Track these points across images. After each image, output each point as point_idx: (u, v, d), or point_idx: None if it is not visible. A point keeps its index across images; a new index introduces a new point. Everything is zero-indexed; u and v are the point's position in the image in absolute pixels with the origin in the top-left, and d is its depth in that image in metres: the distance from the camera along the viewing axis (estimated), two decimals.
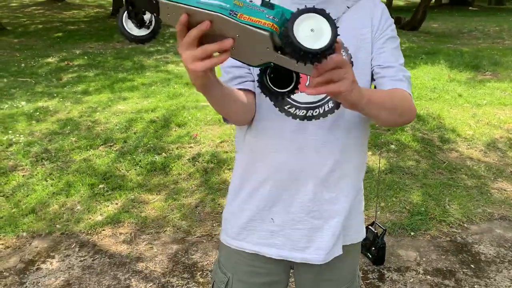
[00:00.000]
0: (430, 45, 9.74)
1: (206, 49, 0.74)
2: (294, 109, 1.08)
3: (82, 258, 2.67)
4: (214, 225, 3.00)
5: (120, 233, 2.91)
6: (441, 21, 14.65)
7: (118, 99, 5.66)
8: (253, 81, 1.11)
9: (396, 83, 1.06)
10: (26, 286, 2.43)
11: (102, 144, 4.28)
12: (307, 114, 1.09)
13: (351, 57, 1.08)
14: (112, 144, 4.30)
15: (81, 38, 10.40)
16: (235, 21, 0.70)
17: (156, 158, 3.90)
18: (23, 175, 3.68)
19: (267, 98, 0.99)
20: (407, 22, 12.27)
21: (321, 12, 0.71)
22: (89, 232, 2.91)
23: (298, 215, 1.14)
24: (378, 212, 3.14)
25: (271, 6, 0.72)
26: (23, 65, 7.75)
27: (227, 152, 4.00)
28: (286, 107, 1.09)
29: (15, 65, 7.73)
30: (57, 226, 2.97)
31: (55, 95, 5.90)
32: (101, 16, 14.37)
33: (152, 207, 3.21)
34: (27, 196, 3.35)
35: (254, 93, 1.11)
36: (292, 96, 1.05)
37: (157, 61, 8.06)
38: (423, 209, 3.18)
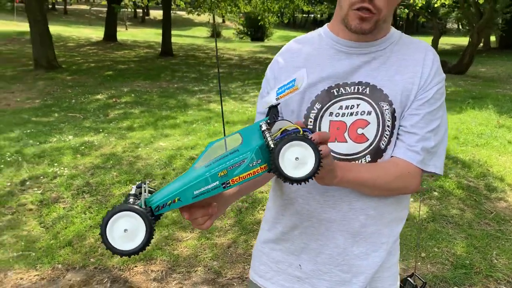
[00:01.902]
0: (477, 89, 9.48)
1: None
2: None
3: None
4: (246, 267, 2.93)
5: (152, 270, 2.90)
6: (489, 65, 14.30)
7: (160, 136, 5.81)
8: None
9: (408, 154, 1.05)
10: None
11: (139, 180, 4.36)
12: None
13: (392, 106, 1.05)
14: (151, 179, 4.37)
15: (130, 77, 10.88)
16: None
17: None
18: (63, 207, 3.78)
19: None
20: (453, 66, 12.06)
21: (304, 140, 0.77)
22: (122, 267, 2.92)
23: (326, 266, 1.12)
24: (419, 263, 2.97)
25: (238, 151, 0.79)
26: (73, 101, 8.15)
27: (262, 192, 3.97)
28: None
29: (66, 101, 8.14)
30: (91, 260, 3.00)
31: (101, 130, 6.12)
32: (150, 56, 15.05)
33: (185, 245, 3.19)
34: (66, 228, 3.42)
35: None
36: (330, 146, 1.04)
37: (199, 100, 8.28)
38: (467, 261, 2.98)
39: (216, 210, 0.93)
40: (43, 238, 3.28)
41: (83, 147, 5.33)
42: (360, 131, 1.04)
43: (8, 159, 4.83)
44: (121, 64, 13.01)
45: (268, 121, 0.83)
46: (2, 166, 4.60)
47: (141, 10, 34.82)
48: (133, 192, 0.82)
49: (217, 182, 0.78)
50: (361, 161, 1.05)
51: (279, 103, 0.86)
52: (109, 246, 0.74)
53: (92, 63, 12.50)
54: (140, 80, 10.51)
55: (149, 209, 0.79)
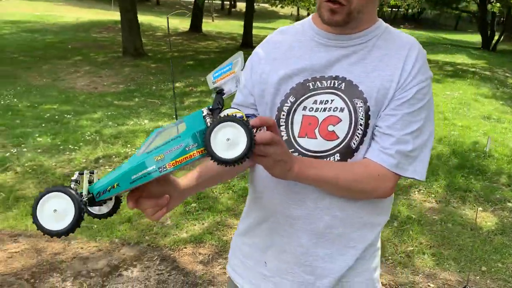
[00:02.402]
0: None
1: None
2: (297, 154, 1.02)
3: (159, 272, 2.79)
4: None
5: (200, 253, 2.99)
6: None
7: None
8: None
9: (381, 157, 0.97)
10: None
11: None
12: None
13: (367, 103, 0.98)
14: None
15: (208, 67, 11.21)
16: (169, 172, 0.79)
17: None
18: None
19: None
20: None
21: (236, 121, 0.75)
22: (172, 247, 3.04)
23: (290, 266, 1.08)
24: (477, 277, 2.76)
25: (179, 137, 0.79)
26: (154, 87, 8.59)
27: None
28: (291, 151, 1.04)
29: (147, 87, 8.60)
30: (146, 237, 3.16)
31: (174, 117, 6.39)
32: (231, 47, 15.37)
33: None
34: None
35: None
36: (299, 141, 1.02)
37: None
38: None
39: (166, 202, 0.90)
40: None
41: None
42: (330, 128, 0.99)
43: (88, 138, 5.22)
44: (202, 54, 13.44)
45: (211, 107, 0.81)
46: (81, 144, 4.98)
47: (228, 2, 35.66)
48: (74, 178, 0.83)
49: (154, 167, 0.78)
50: (329, 159, 1.00)
51: (217, 88, 0.84)
52: (38, 225, 0.75)
53: (176, 52, 13.05)
54: None
55: (91, 195, 0.81)
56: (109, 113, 6.56)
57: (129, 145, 5.02)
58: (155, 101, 7.57)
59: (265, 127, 0.84)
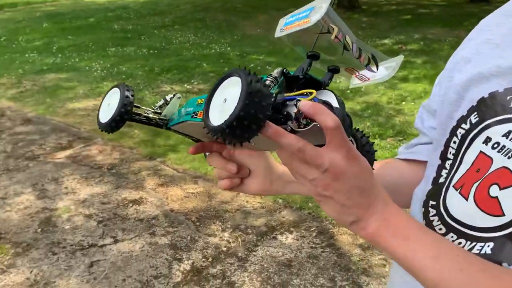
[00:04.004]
0: None
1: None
2: (434, 214, 0.65)
3: (313, 245, 2.63)
4: None
5: (361, 238, 2.71)
6: None
7: None
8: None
9: None
10: (257, 250, 2.60)
11: (391, 136, 4.08)
12: (454, 240, 0.62)
13: None
14: (402, 138, 4.03)
15: (427, 22, 10.07)
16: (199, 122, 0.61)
17: None
18: None
19: None
20: None
21: (240, 73, 0.51)
22: (333, 222, 2.84)
23: None
24: None
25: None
26: None
27: None
28: (432, 208, 0.66)
29: None
30: (309, 204, 3.03)
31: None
32: (459, 1, 13.47)
33: None
34: None
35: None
36: (448, 194, 0.63)
37: None
38: None
39: (237, 172, 0.71)
40: None
41: (349, 91, 5.33)
42: (494, 190, 0.56)
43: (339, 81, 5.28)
44: (422, 8, 12.16)
45: (285, 72, 0.57)
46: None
47: None
48: (168, 97, 0.75)
49: (191, 108, 0.65)
50: (466, 245, 0.58)
51: (284, 36, 0.57)
52: (97, 116, 0.71)
53: (393, 5, 12.14)
54: (436, 27, 9.60)
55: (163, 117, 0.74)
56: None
57: None
58: None
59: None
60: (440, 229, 0.63)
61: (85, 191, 3.32)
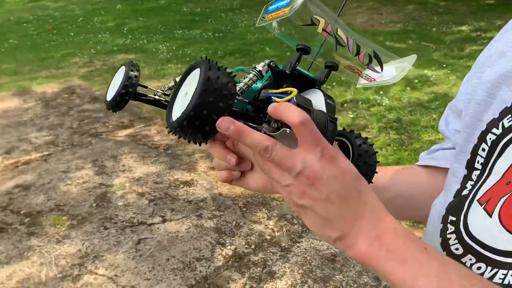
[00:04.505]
0: None
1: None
2: (452, 231, 0.55)
3: None
4: None
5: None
6: None
7: None
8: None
9: None
10: (301, 241, 2.54)
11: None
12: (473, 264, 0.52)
13: None
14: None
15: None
16: None
17: None
18: (365, 137, 3.75)
19: None
20: None
21: (201, 66, 0.46)
22: None
23: None
24: None
25: None
26: (434, 29, 7.68)
27: None
28: (447, 233, 0.57)
29: (426, 28, 7.76)
30: None
31: (445, 65, 5.60)
32: None
33: None
34: None
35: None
36: (471, 210, 0.54)
37: None
38: None
39: (236, 164, 0.60)
40: None
41: (417, 81, 5.04)
42: None
43: (343, 79, 5.10)
44: None
45: (272, 65, 0.52)
46: (334, 83, 4.91)
47: None
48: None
49: None
50: (487, 274, 0.50)
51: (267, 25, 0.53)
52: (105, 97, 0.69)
53: None
54: None
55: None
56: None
57: (381, 92, 4.67)
58: (430, 45, 6.78)
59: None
60: (457, 249, 0.54)
61: (141, 170, 3.42)
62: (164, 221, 2.80)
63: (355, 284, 2.24)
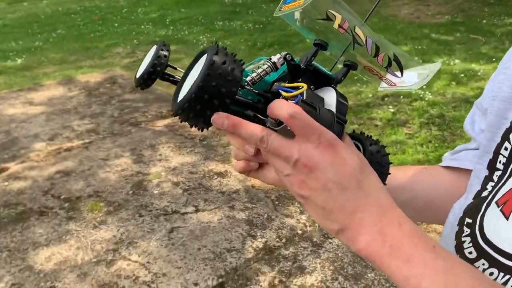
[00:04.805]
0: None
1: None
2: (467, 234, 0.51)
3: None
4: None
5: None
6: None
7: None
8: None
9: None
10: (333, 238, 2.49)
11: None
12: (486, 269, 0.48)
13: None
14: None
15: None
16: None
17: None
18: (406, 133, 3.64)
19: None
20: None
21: (208, 51, 0.47)
22: None
23: None
24: None
25: None
26: (484, 21, 7.33)
27: None
28: (462, 236, 0.53)
29: (476, 20, 7.41)
30: None
31: (494, 60, 5.33)
32: None
33: None
34: (394, 155, 3.31)
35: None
36: (487, 213, 0.50)
37: None
38: None
39: (256, 156, 0.55)
40: None
41: (463, 75, 4.83)
42: None
43: (365, 79, 4.96)
44: None
45: (288, 58, 0.50)
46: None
47: None
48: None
49: None
50: (500, 280, 0.45)
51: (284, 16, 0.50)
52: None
53: None
54: None
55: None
56: (419, 46, 6.03)
57: (424, 87, 4.50)
58: (479, 37, 6.47)
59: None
60: (470, 252, 0.50)
61: (177, 160, 3.46)
62: (197, 211, 2.82)
63: (387, 284, 2.18)
